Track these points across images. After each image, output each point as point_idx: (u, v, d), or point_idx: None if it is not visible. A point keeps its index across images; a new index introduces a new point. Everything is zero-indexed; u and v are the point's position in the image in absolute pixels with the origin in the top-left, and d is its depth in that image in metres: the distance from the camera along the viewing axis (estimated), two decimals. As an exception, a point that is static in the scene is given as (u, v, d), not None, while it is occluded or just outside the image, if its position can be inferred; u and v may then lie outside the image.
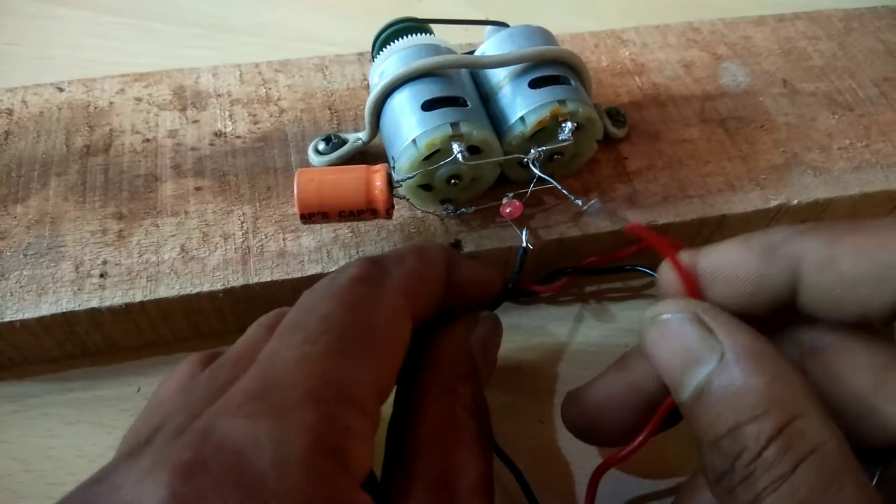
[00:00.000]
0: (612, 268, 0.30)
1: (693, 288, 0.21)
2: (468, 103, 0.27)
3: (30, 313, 0.26)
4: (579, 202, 0.28)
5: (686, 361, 0.18)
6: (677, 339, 0.18)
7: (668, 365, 0.19)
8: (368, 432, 0.16)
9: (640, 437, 0.21)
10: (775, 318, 0.20)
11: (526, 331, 0.30)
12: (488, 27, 0.30)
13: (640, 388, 0.21)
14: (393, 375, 0.18)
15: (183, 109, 0.32)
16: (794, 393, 0.17)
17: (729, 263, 0.20)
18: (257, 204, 0.29)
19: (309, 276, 0.27)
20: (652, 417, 0.21)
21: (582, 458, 0.26)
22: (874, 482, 0.19)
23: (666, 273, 0.21)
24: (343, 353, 0.17)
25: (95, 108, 0.32)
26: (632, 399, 0.22)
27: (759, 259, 0.19)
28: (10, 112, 0.32)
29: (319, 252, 0.28)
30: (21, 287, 0.26)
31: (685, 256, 0.21)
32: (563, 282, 0.30)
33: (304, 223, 0.26)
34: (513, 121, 0.27)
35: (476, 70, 0.29)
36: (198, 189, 0.29)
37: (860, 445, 0.18)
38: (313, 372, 0.16)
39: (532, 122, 0.27)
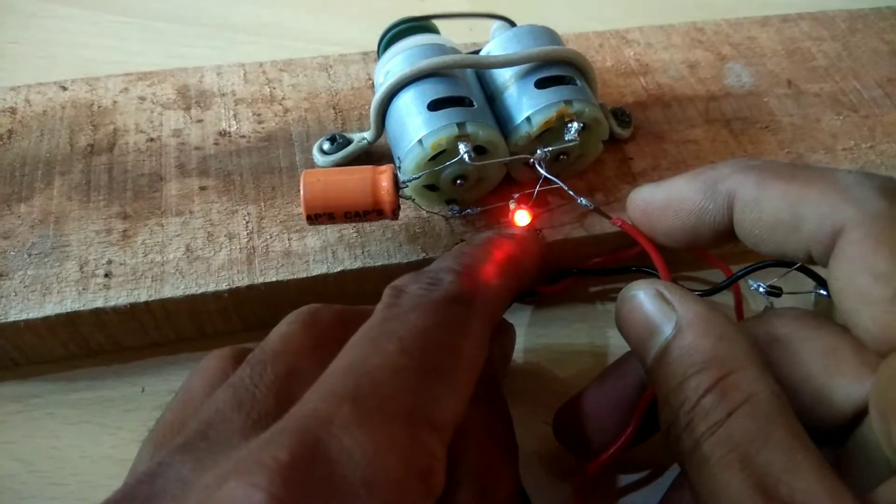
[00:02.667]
0: (617, 269, 0.30)
1: (666, 271, 0.24)
2: (474, 103, 0.27)
3: (34, 313, 0.26)
4: (584, 202, 0.28)
5: (649, 331, 0.20)
6: (641, 311, 0.20)
7: (635, 336, 0.20)
8: (444, 458, 0.16)
9: (622, 438, 0.21)
10: (724, 243, 0.23)
11: (530, 331, 0.30)
12: (494, 26, 0.30)
13: (623, 396, 0.22)
14: (467, 404, 0.18)
15: (187, 109, 0.32)
16: (734, 351, 0.18)
17: (677, 197, 0.23)
18: (262, 204, 0.29)
19: (314, 277, 0.27)
20: (632, 417, 0.21)
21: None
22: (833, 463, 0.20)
23: (630, 201, 0.25)
24: (436, 375, 0.17)
25: (99, 107, 0.32)
26: (616, 407, 0.22)
27: (702, 194, 0.22)
28: (13, 111, 0.32)
29: (324, 252, 0.28)
30: (25, 287, 0.26)
31: (647, 187, 0.24)
32: (568, 282, 0.30)
33: (310, 224, 0.26)
34: (519, 121, 0.27)
35: (482, 70, 0.29)
36: (202, 189, 0.29)
37: (818, 426, 0.19)
38: (409, 388, 0.16)
39: (538, 122, 0.27)
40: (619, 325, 0.21)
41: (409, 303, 0.18)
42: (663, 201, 0.23)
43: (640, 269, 0.30)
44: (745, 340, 0.18)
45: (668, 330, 0.19)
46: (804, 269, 0.26)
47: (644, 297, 0.20)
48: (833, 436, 0.20)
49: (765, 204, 0.20)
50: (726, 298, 0.29)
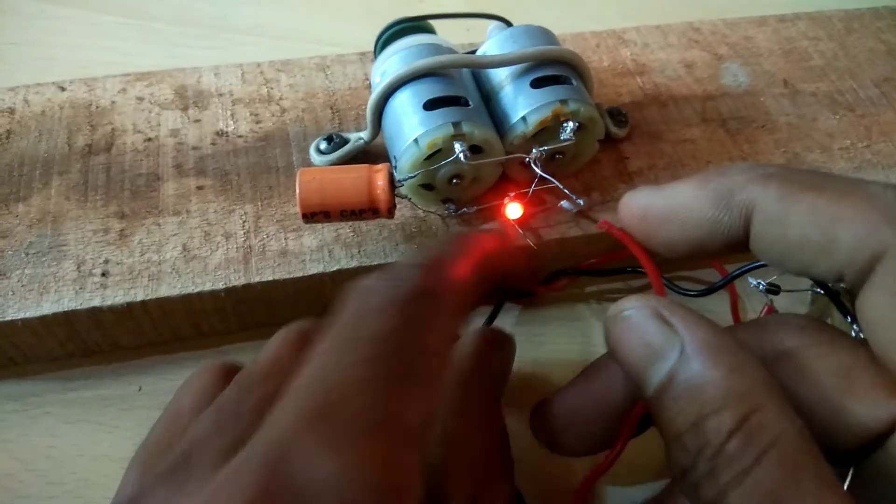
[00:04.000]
0: (614, 269, 0.30)
1: (660, 285, 0.21)
2: (470, 103, 0.27)
3: (31, 312, 0.26)
4: (581, 202, 0.28)
5: (648, 357, 0.18)
6: (638, 334, 0.18)
7: (631, 361, 0.18)
8: (418, 469, 0.15)
9: (615, 450, 0.21)
10: (731, 254, 0.21)
11: (526, 331, 0.30)
12: (491, 26, 0.30)
13: (604, 399, 0.21)
14: (436, 406, 0.17)
15: (185, 109, 0.32)
16: (752, 384, 0.16)
17: (684, 206, 0.20)
18: (259, 203, 0.29)
19: (310, 276, 0.27)
20: (621, 426, 0.20)
21: (580, 460, 0.26)
22: (847, 483, 0.19)
23: (624, 206, 0.22)
24: (402, 382, 0.16)
25: (97, 107, 0.32)
26: (596, 410, 0.21)
27: (714, 205, 0.20)
28: (11, 111, 0.32)
29: (321, 251, 0.28)
30: (23, 286, 0.26)
31: (646, 192, 0.22)
32: (564, 282, 0.30)
33: (306, 223, 0.26)
34: (514, 120, 0.27)
35: (477, 70, 0.29)
36: (199, 188, 0.30)
37: (831, 446, 0.18)
38: (377, 401, 0.15)
39: (534, 121, 0.27)
40: (612, 348, 0.19)
41: (374, 303, 0.17)
42: (666, 210, 0.21)
43: (636, 269, 0.30)
44: (761, 370, 0.17)
45: (672, 357, 0.17)
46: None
47: (641, 318, 0.18)
48: (845, 455, 0.19)
49: (790, 221, 0.18)
50: (722, 298, 0.29)
